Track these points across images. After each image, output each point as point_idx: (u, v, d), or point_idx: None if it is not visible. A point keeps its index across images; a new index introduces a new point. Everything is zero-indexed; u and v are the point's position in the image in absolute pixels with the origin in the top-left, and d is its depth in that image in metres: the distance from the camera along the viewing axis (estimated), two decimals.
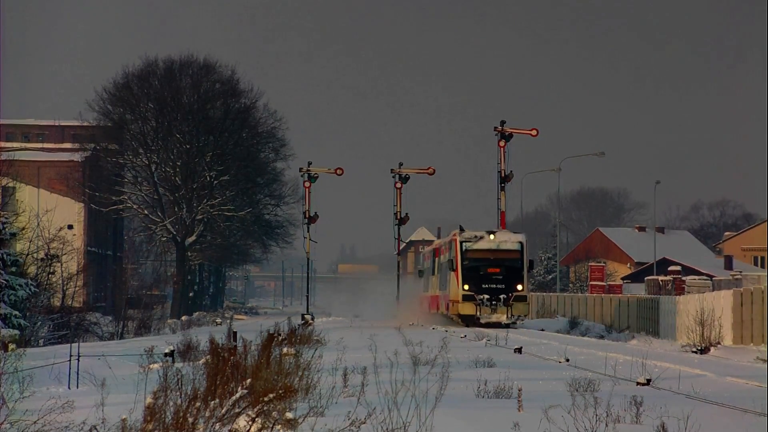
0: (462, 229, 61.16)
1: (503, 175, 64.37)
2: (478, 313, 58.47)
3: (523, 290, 59.28)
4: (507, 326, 56.50)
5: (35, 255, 65.28)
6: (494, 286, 58.76)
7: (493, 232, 60.29)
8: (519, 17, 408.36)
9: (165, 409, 12.99)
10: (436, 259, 68.37)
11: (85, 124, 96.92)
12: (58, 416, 14.68)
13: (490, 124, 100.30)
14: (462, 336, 46.32)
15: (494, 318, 58.19)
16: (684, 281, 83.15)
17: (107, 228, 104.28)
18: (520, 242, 60.12)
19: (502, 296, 58.60)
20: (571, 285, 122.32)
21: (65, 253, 70.90)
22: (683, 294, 73.64)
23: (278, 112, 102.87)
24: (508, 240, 60.02)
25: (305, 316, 71.67)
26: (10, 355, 23.62)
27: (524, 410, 17.80)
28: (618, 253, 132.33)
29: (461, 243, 59.94)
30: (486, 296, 58.51)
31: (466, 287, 58.95)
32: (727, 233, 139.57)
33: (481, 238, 59.87)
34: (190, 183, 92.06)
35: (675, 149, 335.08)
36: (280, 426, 14.08)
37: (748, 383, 24.10)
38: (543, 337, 45.92)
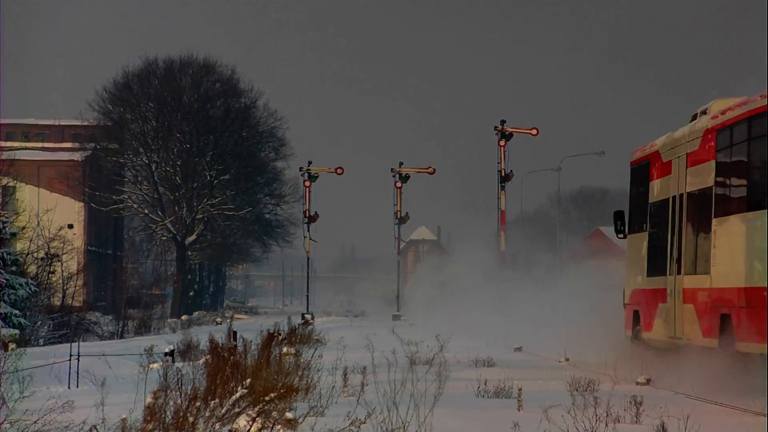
0: None
1: (503, 174, 64.30)
2: None
3: None
4: None
5: (35, 254, 65.24)
6: None
7: None
8: (520, 17, 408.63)
9: (165, 409, 12.97)
10: None
11: (86, 123, 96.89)
12: (58, 416, 14.66)
13: (490, 123, 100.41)
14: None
15: None
16: None
17: (107, 227, 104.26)
18: None
19: None
20: None
21: (65, 253, 70.90)
22: None
23: (278, 112, 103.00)
24: None
25: (305, 315, 71.75)
26: (10, 355, 23.61)
27: (524, 410, 17.79)
28: (619, 253, 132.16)
29: None
30: None
31: None
32: None
33: None
34: (190, 182, 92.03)
35: None
36: (280, 426, 14.07)
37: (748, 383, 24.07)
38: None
